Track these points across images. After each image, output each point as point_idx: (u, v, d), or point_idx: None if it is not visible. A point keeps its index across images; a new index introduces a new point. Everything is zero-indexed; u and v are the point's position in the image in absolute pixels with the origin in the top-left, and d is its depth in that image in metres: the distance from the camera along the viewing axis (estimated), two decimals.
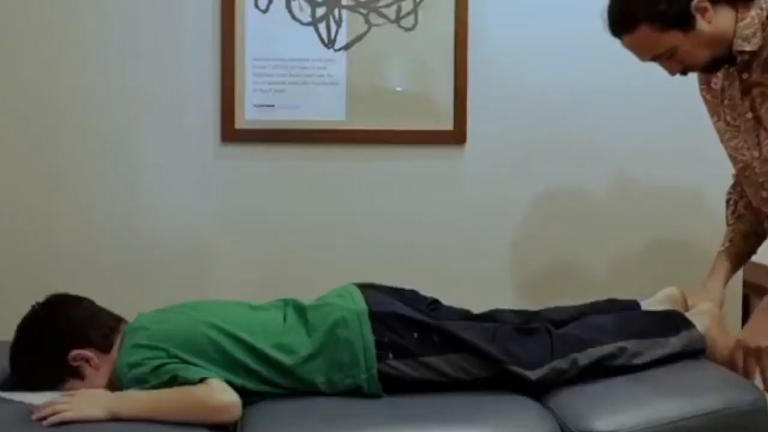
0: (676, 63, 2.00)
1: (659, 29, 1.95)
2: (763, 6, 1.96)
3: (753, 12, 1.96)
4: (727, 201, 2.34)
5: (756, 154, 2.06)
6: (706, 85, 2.17)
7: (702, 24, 1.94)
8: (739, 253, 2.29)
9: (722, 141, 2.20)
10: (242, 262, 2.72)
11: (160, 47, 2.64)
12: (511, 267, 2.81)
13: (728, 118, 2.12)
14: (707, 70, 2.06)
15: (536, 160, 2.78)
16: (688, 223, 2.80)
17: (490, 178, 2.77)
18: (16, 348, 1.97)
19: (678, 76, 2.07)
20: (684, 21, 1.93)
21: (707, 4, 1.93)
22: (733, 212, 2.31)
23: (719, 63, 2.02)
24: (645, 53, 2.01)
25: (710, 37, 1.96)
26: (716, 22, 1.95)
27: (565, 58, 2.73)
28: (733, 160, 2.17)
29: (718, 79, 2.12)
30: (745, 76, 2.02)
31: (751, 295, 2.90)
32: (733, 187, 2.33)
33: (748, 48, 1.96)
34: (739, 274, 2.79)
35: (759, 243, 2.32)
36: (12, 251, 2.62)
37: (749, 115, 2.04)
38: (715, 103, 2.15)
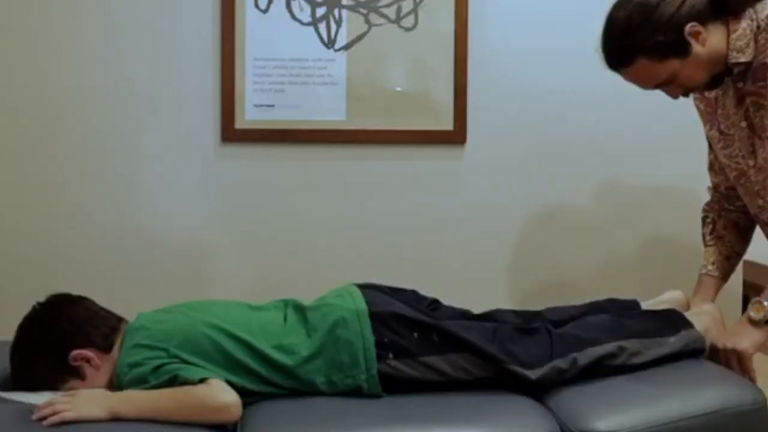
0: (677, 88, 2.02)
1: (657, 60, 1.96)
2: (754, 17, 1.97)
3: (744, 23, 1.97)
4: (704, 219, 2.33)
5: (751, 162, 2.07)
6: (700, 95, 2.18)
7: (697, 48, 1.95)
8: (723, 276, 2.29)
9: (715, 150, 2.21)
10: (242, 262, 2.72)
11: (160, 47, 2.64)
12: (511, 267, 2.81)
13: (722, 127, 2.12)
14: (708, 88, 2.07)
15: (536, 160, 2.78)
16: (689, 224, 2.79)
17: (490, 178, 2.78)
18: (17, 348, 1.97)
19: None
20: (680, 48, 1.95)
21: (699, 28, 1.94)
22: (712, 232, 2.31)
23: (719, 79, 2.03)
24: (645, 84, 2.03)
25: (706, 59, 1.97)
26: (710, 42, 1.96)
27: (565, 59, 2.74)
28: (728, 168, 2.17)
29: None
30: (740, 85, 2.03)
31: (751, 295, 2.90)
32: (710, 205, 2.33)
33: (742, 59, 1.98)
34: (739, 274, 2.79)
35: (738, 261, 2.33)
36: (12, 251, 2.62)
37: (743, 123, 2.05)
38: (709, 112, 2.16)
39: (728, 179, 2.22)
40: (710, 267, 2.28)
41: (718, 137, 2.15)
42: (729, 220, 2.29)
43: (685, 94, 2.06)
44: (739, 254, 2.31)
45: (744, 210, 2.25)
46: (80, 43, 2.62)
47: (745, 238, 2.30)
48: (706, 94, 2.14)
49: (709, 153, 2.29)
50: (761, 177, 2.06)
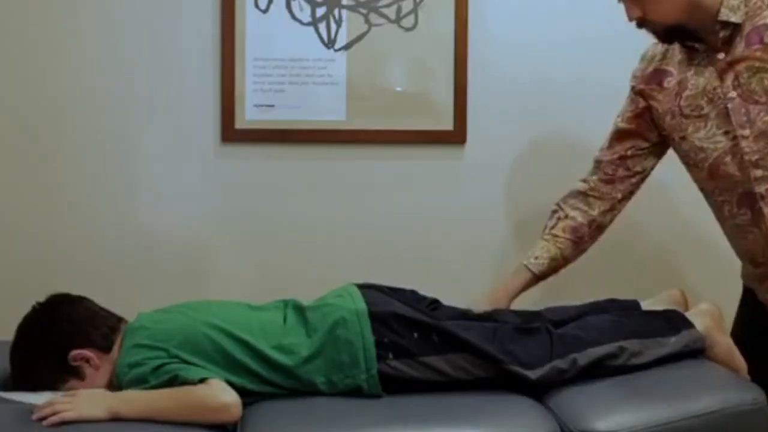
0: (637, 8, 1.96)
1: None
2: None
3: None
4: (553, 212, 2.31)
5: (746, 132, 2.00)
6: (657, 85, 2.13)
7: None
8: (539, 274, 2.27)
9: (679, 140, 2.13)
10: (242, 262, 2.72)
11: (160, 47, 2.64)
12: (511, 267, 2.81)
13: (687, 111, 2.07)
14: (664, 36, 2.02)
15: (536, 160, 2.78)
16: (690, 223, 2.80)
17: (490, 178, 2.77)
18: (16, 348, 1.97)
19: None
20: None
21: None
22: (552, 227, 2.29)
23: (678, 35, 1.99)
24: None
25: (687, 0, 1.93)
26: None
27: (566, 58, 2.73)
28: (700, 151, 2.08)
29: (671, 77, 2.10)
30: (720, 56, 1.98)
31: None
32: (565, 200, 2.30)
33: (733, 19, 1.93)
34: (739, 274, 2.79)
35: (559, 269, 2.30)
36: (12, 251, 2.62)
37: (732, 94, 1.99)
38: (667, 101, 2.11)
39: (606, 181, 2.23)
40: (532, 260, 2.27)
41: (684, 123, 2.09)
42: (573, 224, 2.27)
43: (639, 26, 1.99)
44: (566, 260, 2.29)
45: (592, 224, 2.26)
46: (80, 43, 2.62)
47: (579, 248, 2.29)
48: (665, 84, 2.10)
49: (608, 148, 2.27)
50: (762, 144, 1.99)
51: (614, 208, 2.28)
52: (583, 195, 2.29)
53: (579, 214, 2.28)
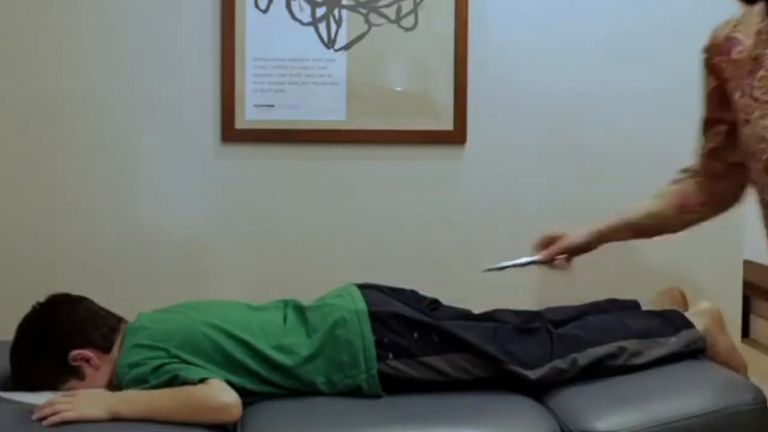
0: None
1: None
2: None
3: None
4: (674, 180, 2.11)
5: None
6: (725, 56, 1.88)
7: None
8: (628, 220, 2.14)
9: (742, 122, 1.86)
10: (242, 262, 2.71)
11: (160, 47, 2.64)
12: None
13: (757, 93, 1.82)
14: None
15: (536, 159, 2.78)
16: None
17: (490, 178, 2.77)
18: (17, 348, 1.98)
19: None
20: None
21: None
22: (664, 189, 2.11)
23: None
24: None
25: None
26: None
27: (566, 59, 2.73)
28: (761, 141, 1.80)
29: (743, 48, 1.85)
30: None
31: (751, 295, 2.90)
32: (686, 170, 2.09)
33: None
34: (739, 274, 2.79)
35: (656, 229, 2.14)
36: (12, 251, 2.62)
37: None
38: (739, 76, 1.86)
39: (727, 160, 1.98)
40: (630, 206, 2.14)
41: (752, 105, 1.83)
42: (683, 188, 2.08)
43: None
44: (666, 221, 2.11)
45: (700, 195, 2.05)
46: (80, 43, 2.61)
47: (682, 215, 2.09)
48: (734, 54, 1.86)
49: (699, 142, 2.02)
50: None
51: (713, 193, 2.05)
52: (693, 171, 2.07)
53: (690, 182, 2.07)
